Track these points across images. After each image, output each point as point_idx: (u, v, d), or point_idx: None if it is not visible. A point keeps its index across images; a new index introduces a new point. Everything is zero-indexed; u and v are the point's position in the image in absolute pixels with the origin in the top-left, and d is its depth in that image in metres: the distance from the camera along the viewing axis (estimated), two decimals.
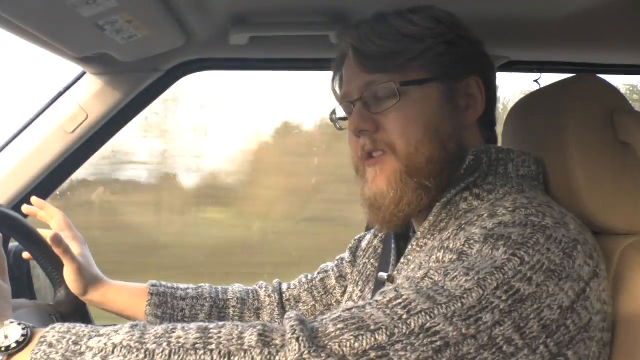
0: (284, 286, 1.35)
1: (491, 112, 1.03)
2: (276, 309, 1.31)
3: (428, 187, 0.95)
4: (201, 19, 1.32)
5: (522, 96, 1.13)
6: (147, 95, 1.55)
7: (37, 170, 1.51)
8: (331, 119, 1.08)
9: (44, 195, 1.56)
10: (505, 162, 0.96)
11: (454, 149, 0.96)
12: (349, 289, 1.21)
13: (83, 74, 1.52)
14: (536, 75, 1.51)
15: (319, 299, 1.30)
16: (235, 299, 1.31)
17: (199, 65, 1.56)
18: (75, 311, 1.26)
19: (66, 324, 0.75)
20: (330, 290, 1.30)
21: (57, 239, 1.18)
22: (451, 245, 0.82)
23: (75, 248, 1.24)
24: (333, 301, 1.30)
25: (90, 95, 1.51)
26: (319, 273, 1.33)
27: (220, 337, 0.71)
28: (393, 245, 1.09)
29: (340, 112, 1.07)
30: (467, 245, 0.80)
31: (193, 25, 1.34)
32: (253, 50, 1.44)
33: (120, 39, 1.26)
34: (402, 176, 0.95)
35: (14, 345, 0.72)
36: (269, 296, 1.32)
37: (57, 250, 1.19)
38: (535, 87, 1.30)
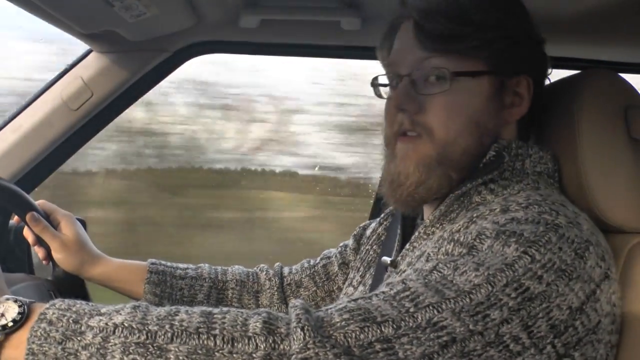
0: (286, 270, 1.34)
1: (533, 113, 0.99)
2: (276, 293, 1.30)
3: (452, 177, 0.94)
4: (212, 0, 1.30)
5: None
6: (154, 75, 1.54)
7: (40, 146, 1.50)
8: (372, 84, 1.04)
9: (46, 172, 1.56)
10: (522, 158, 0.94)
11: (489, 144, 0.94)
12: (350, 275, 1.20)
13: (89, 51, 1.51)
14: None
15: (320, 285, 1.29)
16: (235, 280, 1.30)
17: (207, 48, 1.55)
18: (73, 288, 1.26)
19: (66, 301, 0.73)
20: (332, 277, 1.29)
21: (34, 218, 1.19)
22: (462, 239, 0.81)
23: (65, 227, 1.24)
24: (335, 288, 1.29)
25: (96, 73, 1.49)
26: (321, 259, 1.33)
27: (224, 323, 0.69)
28: (399, 231, 1.08)
29: (383, 78, 1.03)
30: (478, 240, 0.79)
31: (203, 5, 1.33)
32: (263, 34, 1.43)
33: (128, 16, 1.24)
34: (432, 163, 0.93)
35: (10, 324, 0.71)
36: (269, 280, 1.31)
37: (35, 229, 1.20)
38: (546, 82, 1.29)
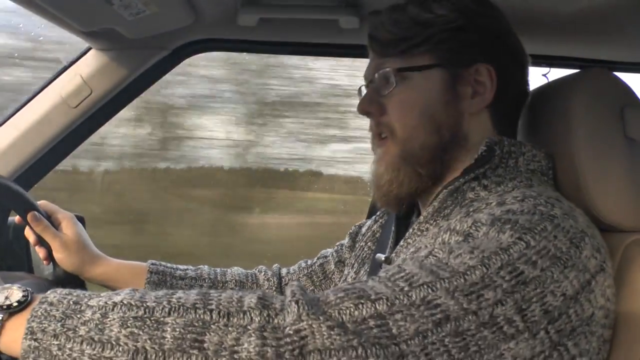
0: (284, 271, 1.35)
1: (507, 103, 1.01)
2: (274, 293, 1.30)
3: (420, 173, 0.97)
4: None
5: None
6: (153, 73, 1.54)
7: (39, 143, 1.50)
8: (359, 96, 1.10)
9: (45, 170, 1.56)
10: (516, 156, 0.95)
11: (449, 135, 0.97)
12: (345, 271, 1.21)
13: (88, 49, 1.51)
14: (545, 70, 1.50)
15: (318, 284, 1.31)
16: (234, 281, 1.31)
17: (206, 45, 1.55)
18: (73, 288, 1.25)
19: (68, 289, 0.76)
20: (330, 276, 1.30)
21: (35, 218, 1.20)
22: (457, 227, 0.82)
23: (66, 227, 1.25)
24: (332, 286, 1.29)
25: (95, 70, 1.49)
26: (318, 258, 1.34)
27: (220, 300, 0.71)
28: (393, 228, 1.09)
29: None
30: (473, 228, 0.80)
31: (202, 3, 1.33)
32: (261, 32, 1.43)
33: (127, 14, 1.25)
34: (399, 161, 0.98)
35: (15, 304, 0.73)
36: (268, 280, 1.32)
37: (36, 229, 1.21)
38: (544, 81, 1.29)
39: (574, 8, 1.22)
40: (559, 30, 1.37)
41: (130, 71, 1.51)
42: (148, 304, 0.71)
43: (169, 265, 1.31)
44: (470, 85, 0.98)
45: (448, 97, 0.97)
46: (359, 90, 1.09)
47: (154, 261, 1.30)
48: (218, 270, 1.34)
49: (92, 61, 1.50)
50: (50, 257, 1.24)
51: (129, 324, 0.69)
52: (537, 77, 1.49)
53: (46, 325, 0.70)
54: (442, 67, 0.97)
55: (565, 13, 1.26)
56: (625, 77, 1.04)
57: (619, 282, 0.87)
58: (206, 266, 1.34)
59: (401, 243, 0.98)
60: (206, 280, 1.30)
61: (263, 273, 1.34)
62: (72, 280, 1.26)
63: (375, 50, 1.02)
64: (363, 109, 1.02)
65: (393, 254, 0.99)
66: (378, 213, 1.23)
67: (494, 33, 1.00)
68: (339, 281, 1.28)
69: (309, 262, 1.35)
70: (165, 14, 1.31)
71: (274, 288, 1.31)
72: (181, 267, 1.32)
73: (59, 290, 0.75)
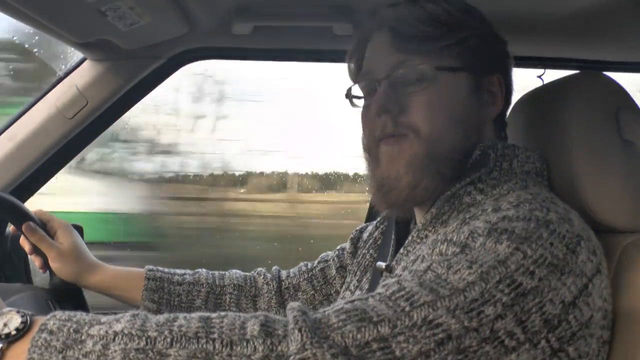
0: (283, 274, 1.34)
1: (505, 112, 1.04)
2: (274, 297, 1.30)
3: (445, 174, 0.94)
4: (204, 7, 1.31)
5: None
6: (148, 82, 1.54)
7: (35, 155, 1.49)
8: (347, 96, 1.05)
9: (42, 181, 1.56)
10: (510, 158, 0.95)
11: (475, 141, 0.96)
12: (347, 279, 1.20)
13: (83, 59, 1.51)
14: (540, 71, 1.50)
15: (318, 288, 1.30)
16: (232, 285, 1.30)
17: (201, 54, 1.55)
18: (70, 296, 1.26)
19: (67, 312, 0.74)
20: (330, 280, 1.30)
21: (30, 228, 1.20)
22: (455, 238, 0.82)
23: (61, 235, 1.25)
24: (332, 291, 1.29)
25: (91, 81, 1.49)
26: (319, 262, 1.33)
27: (222, 327, 0.70)
28: (393, 236, 1.09)
29: (357, 90, 1.04)
30: (470, 239, 0.80)
31: (196, 13, 1.33)
32: (256, 40, 1.43)
33: (122, 25, 1.25)
34: (424, 160, 0.93)
35: (13, 332, 0.71)
36: (267, 284, 1.31)
37: (31, 239, 1.21)
38: (539, 83, 1.29)
39: (568, 10, 1.23)
40: (554, 31, 1.37)
41: (126, 81, 1.51)
42: (149, 333, 0.69)
43: (166, 270, 1.30)
44: (486, 94, 0.98)
45: (474, 102, 0.97)
46: (349, 90, 1.05)
47: (151, 267, 1.29)
48: (216, 274, 1.33)
49: (87, 72, 1.50)
50: (46, 266, 1.24)
51: (131, 357, 0.68)
52: (532, 78, 1.49)
53: (47, 357, 0.69)
54: (470, 72, 0.97)
55: (559, 15, 1.26)
56: (618, 76, 1.04)
57: (617, 284, 0.87)
58: (204, 270, 1.33)
59: (401, 251, 0.97)
60: (204, 285, 1.29)
61: (262, 276, 1.33)
62: (69, 289, 1.26)
63: (399, 45, 0.96)
64: (383, 106, 0.95)
65: (394, 262, 0.98)
66: (379, 219, 1.22)
67: (503, 44, 1.02)
68: (340, 287, 1.27)
69: (309, 265, 1.34)
70: (159, 24, 1.31)
71: (273, 292, 1.30)
72: (179, 272, 1.31)
73: (58, 314, 0.73)
